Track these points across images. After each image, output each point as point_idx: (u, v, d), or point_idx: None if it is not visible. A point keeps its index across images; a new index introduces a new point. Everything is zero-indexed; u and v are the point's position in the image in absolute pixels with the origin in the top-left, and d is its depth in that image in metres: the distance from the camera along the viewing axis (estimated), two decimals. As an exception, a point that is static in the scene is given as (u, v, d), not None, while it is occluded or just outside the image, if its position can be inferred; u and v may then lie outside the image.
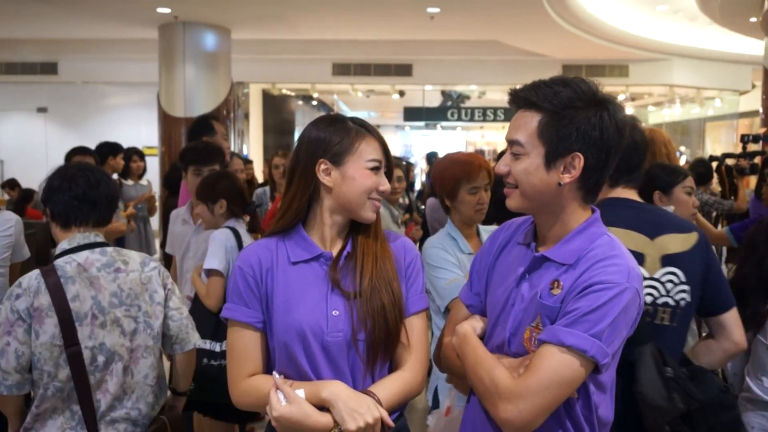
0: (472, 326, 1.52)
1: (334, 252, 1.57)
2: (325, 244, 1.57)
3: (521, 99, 1.39)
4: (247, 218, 3.07)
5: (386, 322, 1.49)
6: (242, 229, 2.97)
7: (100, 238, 2.06)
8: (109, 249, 2.05)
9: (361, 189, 1.51)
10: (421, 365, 1.54)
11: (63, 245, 2.01)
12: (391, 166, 1.59)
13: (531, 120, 1.36)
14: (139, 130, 11.10)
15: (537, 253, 1.43)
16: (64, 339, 1.88)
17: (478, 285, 1.58)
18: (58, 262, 1.96)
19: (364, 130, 1.55)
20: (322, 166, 1.52)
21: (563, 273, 1.37)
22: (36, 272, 1.93)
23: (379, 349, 1.50)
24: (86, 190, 2.02)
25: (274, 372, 1.46)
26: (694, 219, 3.71)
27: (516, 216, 1.58)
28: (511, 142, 1.39)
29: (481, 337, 1.52)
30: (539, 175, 1.36)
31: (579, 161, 1.35)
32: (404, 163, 5.97)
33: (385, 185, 1.54)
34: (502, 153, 1.56)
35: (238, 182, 3.06)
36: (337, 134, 1.53)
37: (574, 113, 1.33)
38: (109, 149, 5.30)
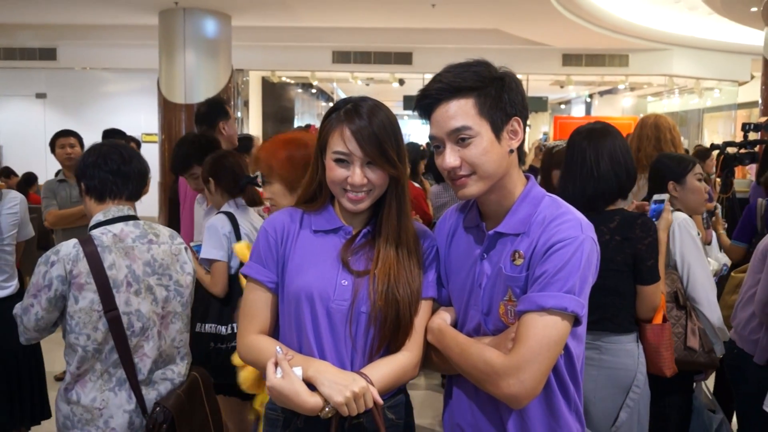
0: (442, 319, 1.55)
1: (356, 228, 1.60)
2: (348, 219, 1.61)
3: (446, 90, 1.40)
4: (243, 194, 3.09)
5: (397, 305, 1.52)
6: (239, 211, 3.01)
7: (132, 212, 2.18)
8: (142, 222, 2.17)
9: (329, 180, 1.55)
10: (418, 350, 1.56)
11: (98, 217, 2.12)
12: (380, 158, 1.49)
13: (465, 104, 1.39)
14: (138, 116, 11.08)
15: (490, 231, 1.48)
16: (103, 304, 2.00)
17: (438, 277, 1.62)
18: (94, 232, 2.07)
19: (344, 117, 1.51)
20: (323, 154, 1.57)
21: (520, 242, 1.43)
22: (74, 241, 2.03)
23: (385, 339, 1.53)
24: (120, 165, 2.14)
25: (277, 346, 1.49)
26: (720, 236, 3.77)
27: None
28: (455, 131, 1.39)
29: (453, 326, 1.56)
30: (495, 149, 1.41)
31: (519, 124, 1.44)
32: (421, 148, 5.83)
33: (354, 178, 1.49)
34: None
35: (228, 161, 3.07)
36: (326, 122, 1.56)
37: (499, 84, 1.41)
38: (114, 136, 5.35)
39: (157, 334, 2.12)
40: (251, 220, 3.06)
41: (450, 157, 1.41)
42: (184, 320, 2.23)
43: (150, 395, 2.10)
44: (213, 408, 2.33)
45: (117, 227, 2.11)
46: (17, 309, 2.08)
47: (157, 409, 2.06)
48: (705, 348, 2.50)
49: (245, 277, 1.64)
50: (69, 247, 2.02)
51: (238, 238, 2.92)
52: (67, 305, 2.01)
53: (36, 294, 2.00)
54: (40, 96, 12.22)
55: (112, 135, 5.39)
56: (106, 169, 2.13)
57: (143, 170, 2.22)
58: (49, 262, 2.00)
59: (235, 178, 3.05)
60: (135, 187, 2.19)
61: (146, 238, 2.15)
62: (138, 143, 5.87)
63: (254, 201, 3.12)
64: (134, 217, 2.18)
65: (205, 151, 3.28)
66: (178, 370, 2.21)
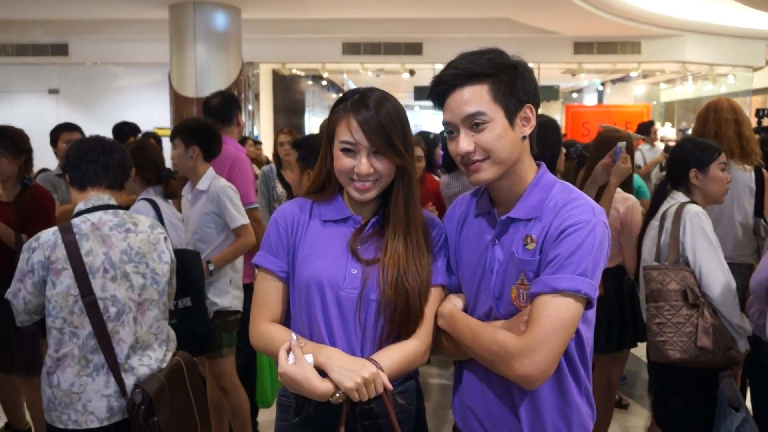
0: (453, 304, 1.57)
1: (365, 217, 1.62)
2: (356, 209, 1.63)
3: (461, 76, 1.42)
4: (162, 186, 3.26)
5: (405, 293, 1.53)
6: (159, 198, 3.17)
7: (113, 201, 2.29)
8: (121, 212, 2.29)
9: (336, 170, 1.57)
10: (428, 336, 1.58)
11: (80, 206, 2.24)
12: (387, 148, 1.51)
13: (479, 90, 1.41)
14: (150, 110, 11.11)
15: (502, 217, 1.49)
16: (80, 289, 2.11)
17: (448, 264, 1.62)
18: (75, 220, 2.19)
19: (351, 108, 1.54)
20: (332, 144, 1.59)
21: (532, 227, 1.44)
22: (54, 229, 2.17)
23: (395, 328, 1.55)
24: (100, 156, 2.28)
25: (292, 333, 1.51)
26: None
27: None
28: (470, 116, 1.41)
29: (464, 311, 1.57)
30: (509, 135, 1.43)
31: (531, 111, 1.46)
32: (431, 136, 5.64)
33: (360, 167, 1.51)
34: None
35: (152, 152, 3.25)
36: (334, 112, 1.58)
37: (513, 71, 1.43)
38: (129, 130, 5.35)
39: (132, 320, 2.21)
40: (171, 209, 3.23)
41: (464, 143, 1.43)
42: (161, 308, 2.31)
43: (129, 380, 2.18)
44: (197, 392, 2.40)
45: (96, 216, 2.22)
46: (9, 294, 2.19)
47: (137, 390, 2.15)
48: (721, 346, 2.43)
49: (256, 266, 1.66)
50: (49, 234, 2.14)
51: (162, 223, 3.03)
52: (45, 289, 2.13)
53: (22, 279, 2.13)
54: (53, 91, 12.30)
55: (121, 129, 5.39)
56: (87, 159, 2.27)
57: (124, 161, 2.35)
58: (30, 248, 2.13)
59: (156, 169, 3.21)
60: (114, 176, 2.31)
61: (123, 227, 2.25)
62: (157, 138, 5.87)
63: (172, 194, 3.28)
64: (114, 206, 2.28)
65: (204, 139, 3.32)
66: (156, 356, 2.28)
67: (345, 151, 1.53)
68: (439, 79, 1.46)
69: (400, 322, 1.54)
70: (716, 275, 2.47)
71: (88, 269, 2.13)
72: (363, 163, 1.52)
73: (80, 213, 2.22)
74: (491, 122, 1.41)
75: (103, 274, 2.15)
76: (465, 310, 1.58)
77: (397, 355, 1.52)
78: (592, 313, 1.47)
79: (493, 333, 1.42)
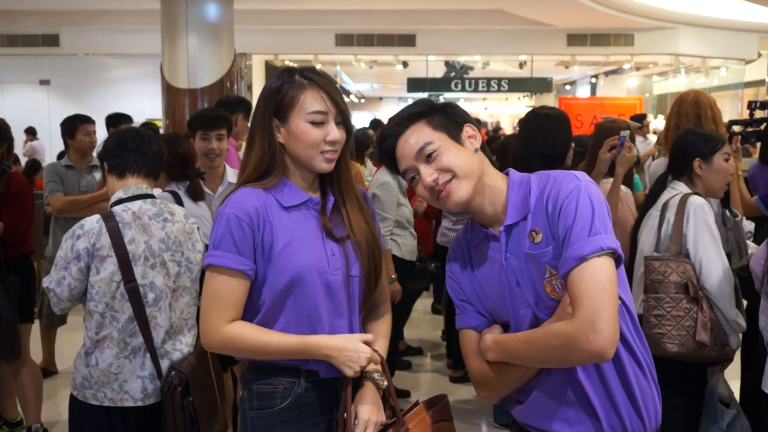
0: (492, 333, 1.54)
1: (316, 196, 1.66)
2: (308, 190, 1.65)
3: (400, 123, 1.51)
4: (188, 183, 3.10)
5: (375, 262, 1.67)
6: (182, 194, 3.06)
7: (150, 191, 2.36)
8: (158, 201, 2.36)
9: (305, 144, 1.56)
10: (390, 303, 1.80)
11: (119, 194, 2.31)
12: (345, 115, 1.61)
13: (419, 127, 1.49)
14: (142, 102, 11.07)
15: (500, 228, 1.50)
16: (123, 276, 2.20)
17: (471, 306, 1.60)
18: (116, 209, 2.26)
19: (307, 81, 1.57)
20: (275, 124, 1.59)
21: (530, 222, 1.46)
22: (97, 217, 2.22)
23: (368, 287, 1.67)
24: (139, 145, 2.35)
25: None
26: (737, 186, 3.69)
27: None
28: (420, 150, 1.47)
29: None
30: (462, 151, 1.49)
31: (472, 129, 1.53)
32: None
33: (333, 135, 1.56)
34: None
35: (181, 146, 3.10)
36: (281, 90, 1.58)
37: (441, 106, 1.53)
38: (124, 120, 5.30)
39: (168, 306, 2.29)
40: (199, 205, 3.09)
41: (426, 174, 1.47)
42: (192, 294, 2.39)
43: (163, 364, 2.27)
44: (218, 375, 2.49)
45: (135, 205, 2.28)
46: (49, 283, 2.22)
47: (173, 372, 2.22)
48: (717, 342, 2.42)
49: (218, 267, 1.55)
50: (93, 222, 2.20)
51: None
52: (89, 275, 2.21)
53: (66, 266, 2.18)
54: (44, 82, 12.25)
55: (116, 119, 5.35)
56: (127, 147, 2.33)
57: (161, 151, 2.42)
58: (75, 236, 2.19)
59: (183, 165, 3.06)
60: (152, 164, 2.37)
61: (161, 217, 2.33)
62: (155, 130, 5.83)
63: (199, 194, 3.11)
64: (152, 196, 2.35)
65: (219, 121, 3.24)
66: (186, 340, 2.37)
67: (315, 123, 1.56)
68: (383, 136, 1.53)
69: (373, 288, 1.68)
70: (716, 269, 2.45)
71: (131, 256, 2.20)
72: (335, 130, 1.57)
73: (120, 201, 2.29)
74: (440, 147, 1.47)
75: (144, 261, 2.23)
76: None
77: (386, 339, 1.71)
78: (623, 275, 1.47)
79: (546, 330, 1.40)
